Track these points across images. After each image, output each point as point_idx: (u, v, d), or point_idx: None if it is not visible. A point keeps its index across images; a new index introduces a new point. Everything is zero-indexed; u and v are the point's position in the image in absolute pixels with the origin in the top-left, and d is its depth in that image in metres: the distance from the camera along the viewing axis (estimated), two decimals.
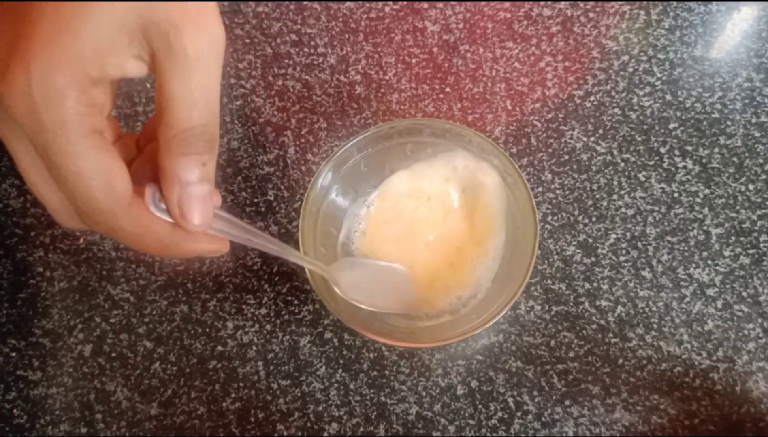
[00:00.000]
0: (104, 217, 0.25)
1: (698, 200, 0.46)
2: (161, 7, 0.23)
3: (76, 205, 0.25)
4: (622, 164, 0.47)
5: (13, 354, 0.43)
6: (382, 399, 0.41)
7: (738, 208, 0.45)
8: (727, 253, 0.44)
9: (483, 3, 0.54)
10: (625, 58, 0.51)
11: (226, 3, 0.55)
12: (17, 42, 0.22)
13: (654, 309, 0.42)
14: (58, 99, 0.23)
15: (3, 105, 0.23)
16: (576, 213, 0.46)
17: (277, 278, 0.45)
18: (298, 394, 0.41)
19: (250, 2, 0.55)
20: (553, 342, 0.42)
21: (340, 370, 0.42)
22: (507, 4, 0.54)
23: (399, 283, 0.42)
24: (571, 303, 0.43)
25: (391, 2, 0.54)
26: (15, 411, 0.42)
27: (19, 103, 0.23)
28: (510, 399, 0.41)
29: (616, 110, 0.49)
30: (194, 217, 0.27)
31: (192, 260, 0.46)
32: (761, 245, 0.44)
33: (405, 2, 0.54)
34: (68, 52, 0.22)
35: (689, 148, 0.47)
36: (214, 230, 0.29)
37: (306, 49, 0.53)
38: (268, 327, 0.43)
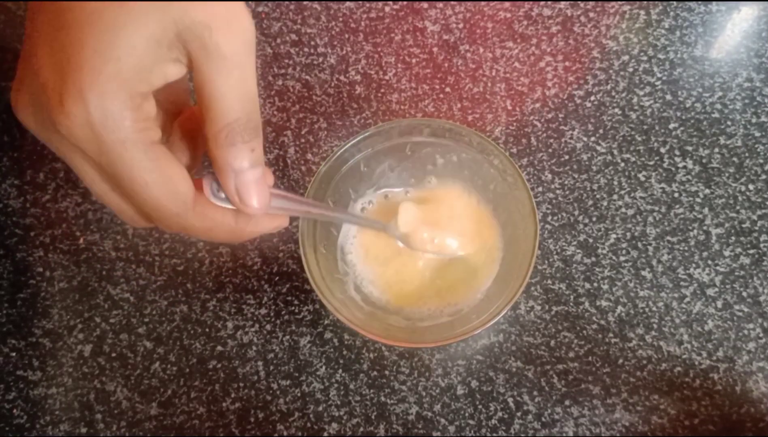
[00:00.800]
0: (174, 219, 0.27)
1: (698, 200, 0.46)
2: (193, 11, 0.24)
3: (145, 211, 0.27)
4: (622, 164, 0.47)
5: (13, 354, 0.43)
6: (382, 399, 0.41)
7: (738, 208, 0.45)
8: (727, 253, 0.44)
9: (483, 3, 0.54)
10: (625, 58, 0.51)
11: None
12: (65, 76, 0.24)
13: (654, 309, 0.42)
14: (116, 122, 0.24)
15: (64, 133, 0.24)
16: (576, 213, 0.46)
17: (277, 278, 0.45)
18: (298, 394, 0.41)
19: (250, 2, 0.55)
20: (553, 342, 0.42)
21: (340, 370, 0.42)
22: (507, 4, 0.54)
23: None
24: (571, 303, 0.43)
25: (391, 2, 0.54)
26: (15, 411, 0.42)
27: (81, 131, 0.24)
28: (510, 399, 0.41)
29: (616, 110, 0.49)
30: (253, 200, 0.29)
31: (192, 259, 0.46)
32: (761, 245, 0.44)
33: (405, 2, 0.54)
34: (117, 77, 0.24)
35: (689, 148, 0.47)
36: (273, 208, 0.30)
37: (306, 49, 0.53)
38: (268, 327, 0.43)
